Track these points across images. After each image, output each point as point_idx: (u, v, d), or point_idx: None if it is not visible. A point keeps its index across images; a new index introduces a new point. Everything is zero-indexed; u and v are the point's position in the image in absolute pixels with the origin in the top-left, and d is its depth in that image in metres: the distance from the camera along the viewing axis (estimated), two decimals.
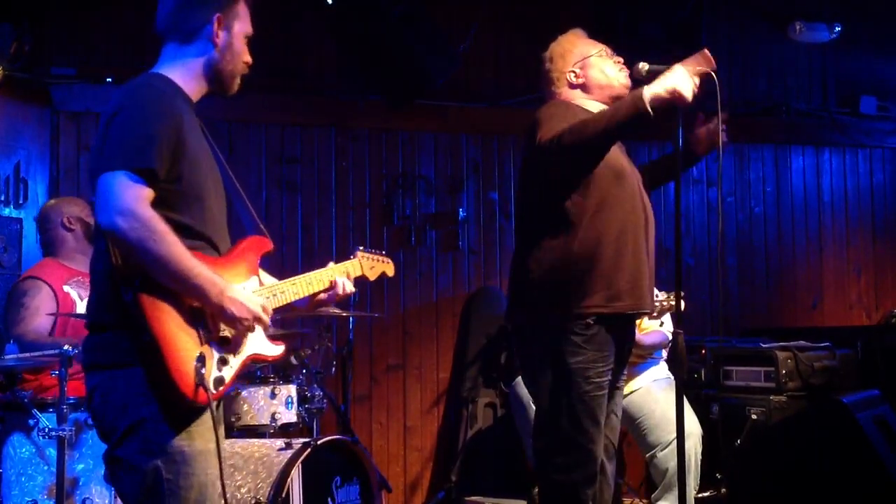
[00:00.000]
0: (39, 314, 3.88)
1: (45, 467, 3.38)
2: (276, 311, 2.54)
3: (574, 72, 3.26)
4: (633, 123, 2.89)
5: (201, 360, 2.27)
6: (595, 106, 3.23)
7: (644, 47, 5.25)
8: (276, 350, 2.55)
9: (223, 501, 2.34)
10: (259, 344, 2.49)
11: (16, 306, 3.91)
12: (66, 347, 3.30)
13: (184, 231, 2.30)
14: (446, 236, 5.67)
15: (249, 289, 2.50)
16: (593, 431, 3.05)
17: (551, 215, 3.07)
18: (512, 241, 5.73)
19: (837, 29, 6.08)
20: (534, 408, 4.47)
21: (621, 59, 3.30)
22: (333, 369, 4.91)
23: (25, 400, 3.36)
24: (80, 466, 3.42)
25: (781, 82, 6.40)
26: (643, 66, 3.22)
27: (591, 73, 3.25)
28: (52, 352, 3.42)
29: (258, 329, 2.47)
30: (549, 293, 3.04)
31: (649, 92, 2.88)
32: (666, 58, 3.21)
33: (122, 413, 2.26)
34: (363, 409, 5.43)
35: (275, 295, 2.56)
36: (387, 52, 5.11)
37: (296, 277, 2.65)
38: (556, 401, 3.05)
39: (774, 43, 6.32)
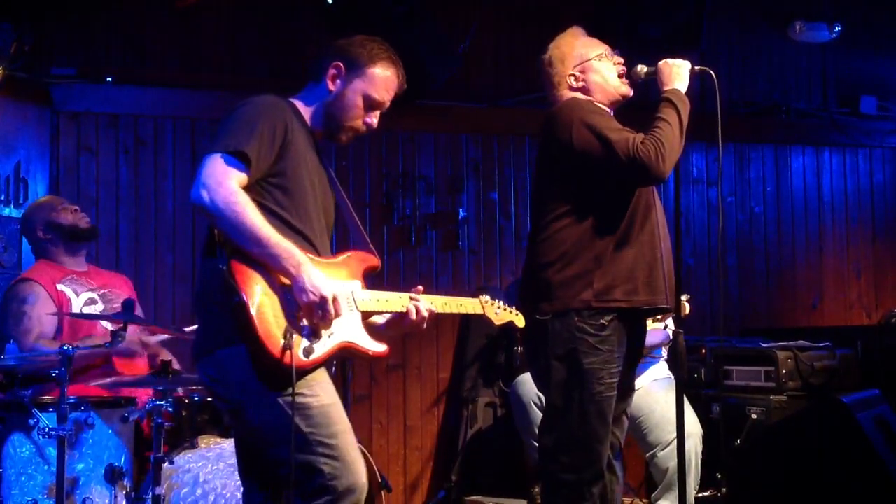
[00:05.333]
0: (42, 322, 3.86)
1: (45, 467, 3.37)
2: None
3: (574, 75, 3.26)
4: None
5: (291, 325, 2.36)
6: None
7: (644, 47, 5.26)
8: (377, 347, 2.59)
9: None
10: (357, 334, 2.55)
11: (17, 314, 3.88)
12: (66, 347, 3.30)
13: (285, 225, 2.47)
14: (446, 236, 5.67)
15: (350, 287, 2.57)
16: (602, 432, 3.06)
17: (579, 213, 3.08)
18: (512, 241, 5.75)
19: (837, 29, 6.08)
20: (534, 408, 4.51)
21: (622, 60, 3.30)
22: (333, 369, 4.89)
23: (25, 400, 3.35)
24: (80, 466, 3.42)
25: (781, 82, 6.40)
26: (641, 69, 3.25)
27: (590, 76, 3.25)
28: (52, 351, 3.42)
29: (357, 319, 2.55)
30: (570, 287, 3.05)
31: (681, 91, 3.14)
32: (666, 58, 3.23)
33: (243, 389, 2.41)
34: (363, 409, 5.43)
35: (377, 300, 2.61)
36: None
37: (404, 293, 2.67)
38: (567, 400, 3.06)
39: (774, 43, 6.33)
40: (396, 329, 2.71)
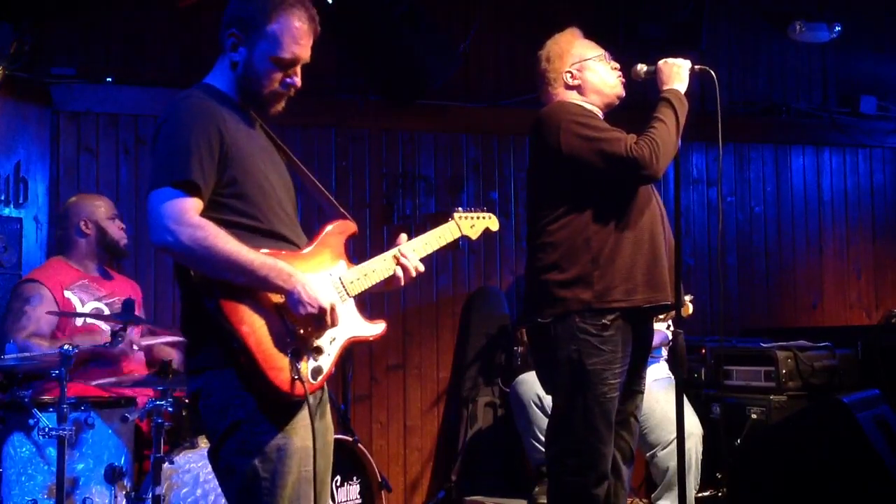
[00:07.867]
0: (40, 322, 3.85)
1: (45, 467, 3.37)
2: None
3: (570, 72, 3.25)
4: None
5: (295, 353, 2.27)
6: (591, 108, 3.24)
7: (644, 48, 5.27)
8: (375, 329, 2.52)
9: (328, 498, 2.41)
10: (355, 325, 2.46)
11: (17, 312, 3.87)
12: (65, 347, 3.31)
13: (254, 232, 2.32)
14: None
15: (337, 273, 2.47)
16: (606, 433, 3.06)
17: (574, 214, 3.08)
18: (512, 241, 5.75)
19: (837, 29, 6.08)
20: (534, 408, 4.52)
21: (618, 66, 3.29)
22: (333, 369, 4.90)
23: (25, 400, 3.35)
24: (80, 466, 3.42)
25: (781, 82, 6.40)
26: (641, 68, 3.24)
27: (587, 75, 3.25)
28: (52, 352, 3.42)
29: (351, 307, 2.47)
30: (570, 289, 3.05)
31: (681, 91, 3.12)
32: (666, 58, 3.23)
33: (221, 416, 2.28)
34: (363, 409, 5.42)
35: (366, 275, 2.53)
36: (387, 52, 5.11)
37: (387, 253, 2.60)
38: (572, 402, 3.06)
39: (774, 43, 6.33)
40: (389, 286, 2.62)
